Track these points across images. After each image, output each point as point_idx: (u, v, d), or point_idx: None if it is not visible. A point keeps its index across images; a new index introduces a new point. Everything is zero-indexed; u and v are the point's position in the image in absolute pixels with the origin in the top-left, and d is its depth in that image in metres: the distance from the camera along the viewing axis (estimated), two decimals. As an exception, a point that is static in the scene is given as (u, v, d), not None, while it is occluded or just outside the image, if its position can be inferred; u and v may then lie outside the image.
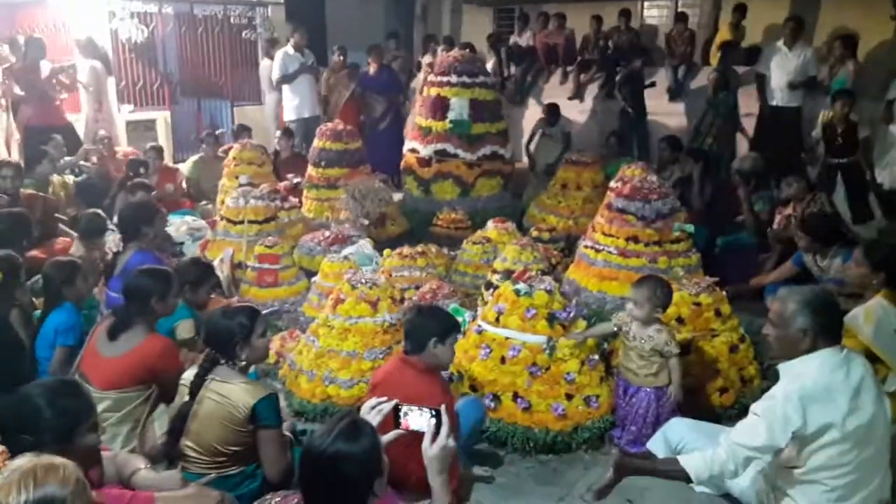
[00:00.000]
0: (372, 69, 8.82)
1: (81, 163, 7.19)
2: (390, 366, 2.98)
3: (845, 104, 6.53)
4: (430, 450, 2.03)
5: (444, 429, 2.07)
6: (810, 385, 2.46)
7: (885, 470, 2.63)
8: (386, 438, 2.01)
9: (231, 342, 2.71)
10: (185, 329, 3.68)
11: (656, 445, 3.12)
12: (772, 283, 4.80)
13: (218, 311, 2.87)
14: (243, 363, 2.74)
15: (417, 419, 2.17)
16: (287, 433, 2.98)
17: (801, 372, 2.51)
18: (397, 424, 2.19)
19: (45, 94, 7.45)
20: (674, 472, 2.65)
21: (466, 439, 3.07)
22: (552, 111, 8.16)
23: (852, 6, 8.82)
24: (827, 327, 2.52)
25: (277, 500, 2.05)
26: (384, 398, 2.38)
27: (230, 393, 2.62)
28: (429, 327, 2.83)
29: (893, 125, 7.25)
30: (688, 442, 2.95)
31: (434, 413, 2.15)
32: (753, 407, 2.58)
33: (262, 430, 2.63)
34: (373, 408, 2.33)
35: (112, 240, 5.01)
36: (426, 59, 9.11)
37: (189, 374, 2.77)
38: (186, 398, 2.69)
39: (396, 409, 2.23)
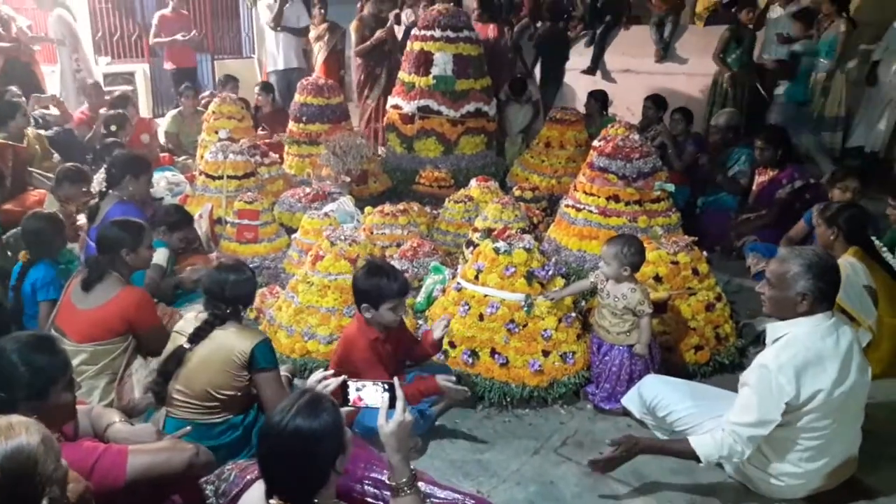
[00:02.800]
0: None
1: (44, 112, 7.02)
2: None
3: None
4: (385, 426, 1.98)
5: (399, 403, 2.03)
6: (803, 353, 2.48)
7: (857, 431, 2.69)
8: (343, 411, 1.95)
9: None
10: (157, 256, 3.76)
11: (631, 402, 3.17)
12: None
13: (215, 270, 2.89)
14: (228, 310, 2.74)
15: (370, 394, 2.11)
16: (286, 374, 3.01)
17: (793, 337, 2.52)
18: (346, 401, 2.15)
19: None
20: (683, 453, 2.67)
21: None
22: (516, 87, 7.78)
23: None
24: (825, 293, 2.53)
25: (236, 471, 2.04)
26: (330, 372, 2.39)
27: (226, 338, 2.67)
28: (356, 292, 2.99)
29: (876, 87, 7.27)
30: (661, 399, 2.99)
31: (387, 386, 2.11)
32: (744, 378, 2.59)
33: (261, 373, 2.68)
34: (318, 382, 2.32)
35: (96, 179, 4.97)
36: (404, 16, 8.94)
37: (183, 325, 2.79)
38: (182, 344, 2.70)
39: (345, 385, 2.18)
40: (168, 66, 8.73)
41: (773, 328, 2.62)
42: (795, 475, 2.62)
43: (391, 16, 8.33)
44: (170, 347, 2.79)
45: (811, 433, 2.56)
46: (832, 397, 2.49)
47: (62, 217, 4.02)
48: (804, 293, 2.50)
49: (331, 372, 2.41)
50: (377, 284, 2.93)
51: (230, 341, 2.67)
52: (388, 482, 2.02)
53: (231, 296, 2.75)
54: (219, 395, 2.69)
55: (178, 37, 8.48)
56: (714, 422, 2.78)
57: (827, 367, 2.50)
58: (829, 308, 2.56)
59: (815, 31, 7.40)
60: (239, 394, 2.72)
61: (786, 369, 2.46)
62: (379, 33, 7.94)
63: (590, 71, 9.20)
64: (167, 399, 2.75)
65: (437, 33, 6.62)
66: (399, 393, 2.07)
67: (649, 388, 3.08)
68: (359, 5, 8.37)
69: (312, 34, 8.73)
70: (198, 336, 2.70)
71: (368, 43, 7.94)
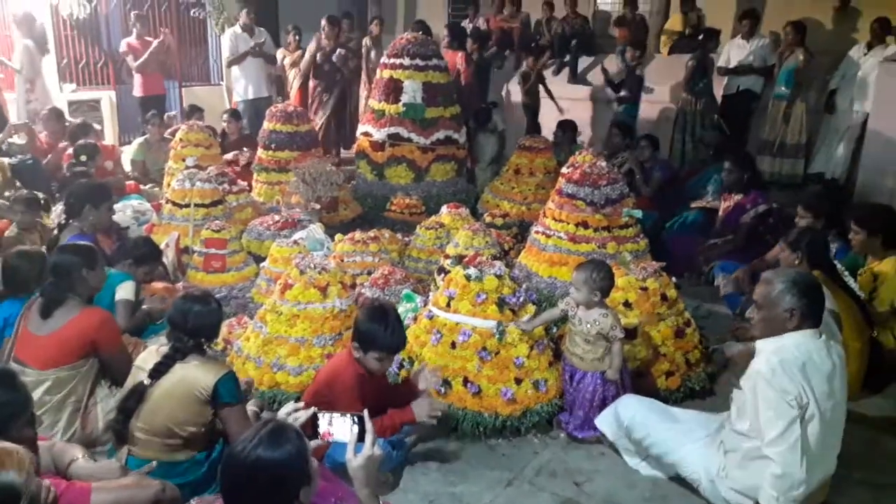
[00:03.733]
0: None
1: (9, 141, 6.90)
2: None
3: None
4: (353, 460, 1.96)
5: (369, 437, 2.01)
6: (794, 356, 2.53)
7: (835, 450, 2.72)
8: (311, 446, 1.92)
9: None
10: (124, 290, 3.69)
11: (605, 422, 3.16)
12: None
13: (181, 300, 2.80)
14: (190, 343, 2.66)
15: (339, 427, 2.08)
16: (254, 408, 2.94)
17: (782, 346, 2.58)
18: (316, 434, 2.12)
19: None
20: None
21: None
22: (480, 116, 7.71)
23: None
24: (812, 308, 2.60)
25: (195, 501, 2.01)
26: (300, 404, 2.35)
27: (187, 373, 2.59)
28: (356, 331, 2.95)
29: (834, 115, 7.49)
30: (640, 419, 2.97)
31: (356, 419, 2.07)
32: (741, 394, 2.64)
33: (226, 408, 2.61)
34: (288, 414, 2.27)
35: (55, 211, 4.89)
36: (365, 42, 9.06)
37: (145, 357, 2.71)
38: (143, 379, 2.63)
39: (315, 418, 2.14)
40: (137, 92, 8.62)
41: (762, 344, 2.66)
42: (773, 498, 2.62)
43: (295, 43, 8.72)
44: (130, 382, 2.72)
45: None
46: (821, 410, 2.52)
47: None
48: (791, 309, 2.57)
49: (301, 404, 2.37)
50: (373, 331, 2.86)
51: (192, 375, 2.59)
52: None
53: (194, 327, 2.67)
54: (181, 432, 2.61)
55: (154, 43, 8.38)
56: (694, 444, 2.78)
57: (814, 377, 2.53)
58: (816, 325, 2.62)
59: (777, 61, 7.63)
60: (202, 430, 2.65)
61: (781, 369, 2.50)
62: (307, 57, 8.35)
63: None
64: (129, 437, 2.66)
65: (407, 61, 6.67)
66: (369, 426, 2.04)
67: (627, 408, 3.08)
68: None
69: (287, 61, 8.75)
70: (158, 371, 2.62)
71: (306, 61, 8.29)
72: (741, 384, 2.68)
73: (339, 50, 8.38)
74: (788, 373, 2.50)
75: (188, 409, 2.59)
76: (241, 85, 8.60)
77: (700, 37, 8.05)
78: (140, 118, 8.58)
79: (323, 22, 8.42)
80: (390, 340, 2.88)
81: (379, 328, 2.85)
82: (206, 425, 2.64)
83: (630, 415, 3.03)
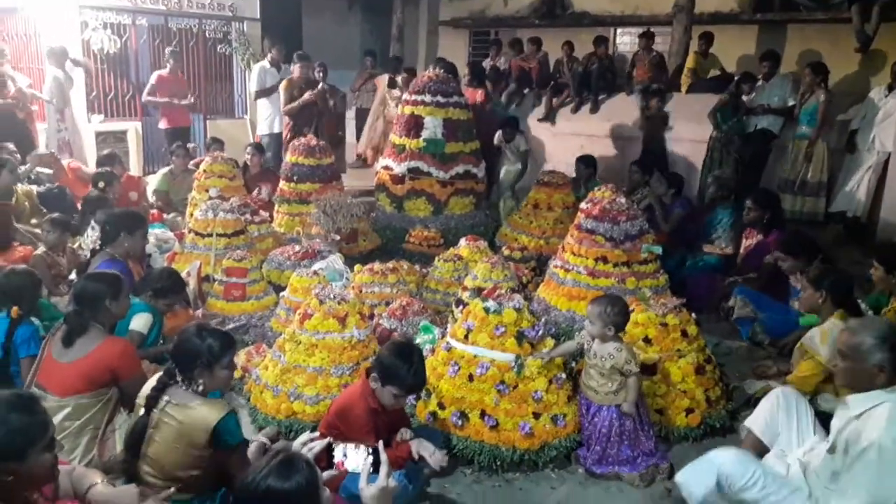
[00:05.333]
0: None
1: (38, 170, 7.06)
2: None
3: None
4: (366, 490, 1.95)
5: (384, 468, 2.01)
6: None
7: None
8: (325, 476, 1.92)
9: (194, 363, 2.60)
10: (139, 322, 3.72)
11: (694, 480, 2.80)
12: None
13: (193, 328, 2.74)
14: (200, 388, 2.62)
15: (353, 457, 2.09)
16: (264, 439, 2.91)
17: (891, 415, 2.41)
18: (330, 464, 2.11)
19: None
20: None
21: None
22: (509, 126, 7.72)
23: (819, 37, 9.07)
24: None
25: None
26: (316, 434, 2.34)
27: (187, 416, 2.54)
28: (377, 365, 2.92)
29: (855, 154, 7.47)
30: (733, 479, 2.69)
31: (371, 451, 2.08)
32: (842, 460, 2.48)
33: (225, 451, 2.56)
34: (303, 444, 2.27)
35: (90, 237, 4.97)
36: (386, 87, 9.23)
37: (146, 390, 2.69)
38: (142, 413, 2.62)
39: (330, 448, 2.15)
40: (163, 124, 8.83)
41: (857, 400, 2.52)
42: None
43: (320, 79, 8.75)
44: (134, 417, 2.70)
45: None
46: None
47: (46, 266, 3.98)
48: (881, 366, 2.46)
49: (317, 434, 2.37)
50: (396, 367, 2.85)
51: (192, 418, 2.53)
52: None
53: (184, 355, 2.63)
54: (186, 475, 2.57)
55: (175, 101, 8.60)
56: None
57: None
58: None
59: (797, 101, 7.66)
60: (206, 473, 2.59)
61: None
62: (307, 95, 8.38)
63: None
64: (139, 478, 2.62)
65: (428, 98, 6.77)
66: (383, 458, 2.04)
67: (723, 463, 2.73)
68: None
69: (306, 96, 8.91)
70: (153, 400, 2.58)
71: (297, 103, 8.35)
72: (836, 450, 2.51)
73: (321, 85, 8.60)
74: None
75: (189, 454, 2.54)
76: (268, 118, 8.80)
77: (736, 78, 8.12)
78: (165, 149, 8.77)
79: (294, 57, 8.67)
80: (411, 380, 2.87)
81: (403, 365, 2.85)
82: (210, 468, 2.59)
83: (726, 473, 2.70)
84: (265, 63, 8.78)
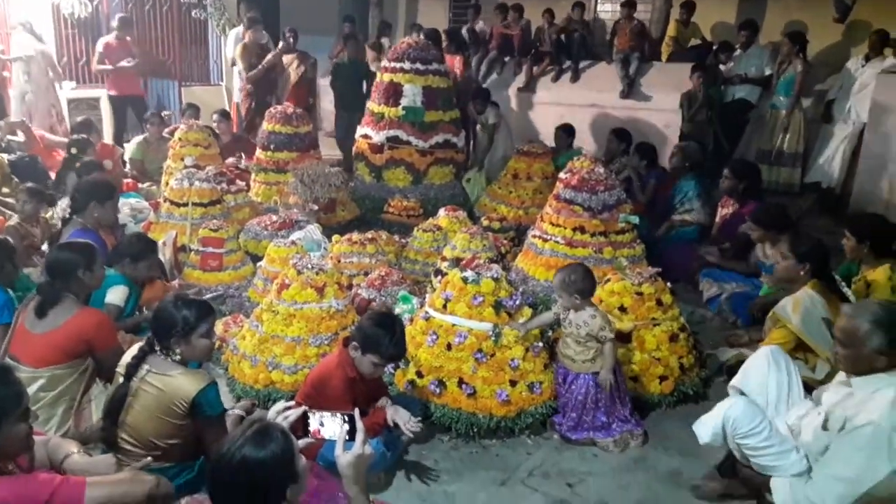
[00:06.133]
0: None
1: (9, 138, 6.90)
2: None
3: None
4: (342, 457, 1.97)
5: (360, 435, 2.03)
6: None
7: None
8: (302, 444, 1.93)
9: (170, 332, 2.60)
10: (115, 294, 3.67)
11: (707, 419, 2.87)
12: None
13: (171, 297, 2.75)
14: (178, 357, 2.63)
15: (330, 426, 2.10)
16: (240, 412, 2.93)
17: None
18: (306, 433, 2.13)
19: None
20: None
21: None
22: (480, 97, 7.64)
23: (799, 7, 9.07)
24: None
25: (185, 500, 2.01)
26: (291, 403, 2.36)
27: (167, 385, 2.54)
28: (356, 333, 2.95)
29: (831, 125, 7.54)
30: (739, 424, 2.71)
31: (347, 418, 2.09)
32: (840, 436, 2.48)
33: (204, 421, 2.57)
34: (279, 413, 2.28)
35: (61, 206, 4.89)
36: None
37: (126, 359, 2.68)
38: (122, 381, 2.61)
39: (306, 416, 2.16)
40: (112, 92, 8.57)
41: (861, 382, 2.52)
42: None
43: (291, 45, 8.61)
44: (113, 385, 2.70)
45: None
46: None
47: (19, 237, 3.91)
48: (880, 349, 2.45)
49: (292, 403, 2.38)
50: (377, 335, 2.89)
51: (172, 388, 2.53)
52: None
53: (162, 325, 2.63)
54: (164, 444, 2.58)
55: (123, 63, 8.32)
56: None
57: None
58: None
59: (774, 71, 7.68)
60: (185, 442, 2.61)
61: None
62: (269, 57, 8.29)
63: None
64: (117, 446, 2.63)
65: (407, 65, 6.70)
66: (359, 425, 2.06)
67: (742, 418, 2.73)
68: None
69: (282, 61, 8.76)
70: (129, 374, 2.58)
71: (260, 67, 8.23)
72: (829, 426, 2.53)
73: (280, 45, 8.50)
74: None
75: (168, 423, 2.55)
76: (241, 85, 8.63)
77: (714, 47, 8.09)
78: (114, 117, 8.56)
79: (245, 21, 8.53)
80: (392, 349, 2.91)
81: (384, 335, 2.89)
82: (188, 437, 2.60)
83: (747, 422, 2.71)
84: (240, 29, 8.60)
